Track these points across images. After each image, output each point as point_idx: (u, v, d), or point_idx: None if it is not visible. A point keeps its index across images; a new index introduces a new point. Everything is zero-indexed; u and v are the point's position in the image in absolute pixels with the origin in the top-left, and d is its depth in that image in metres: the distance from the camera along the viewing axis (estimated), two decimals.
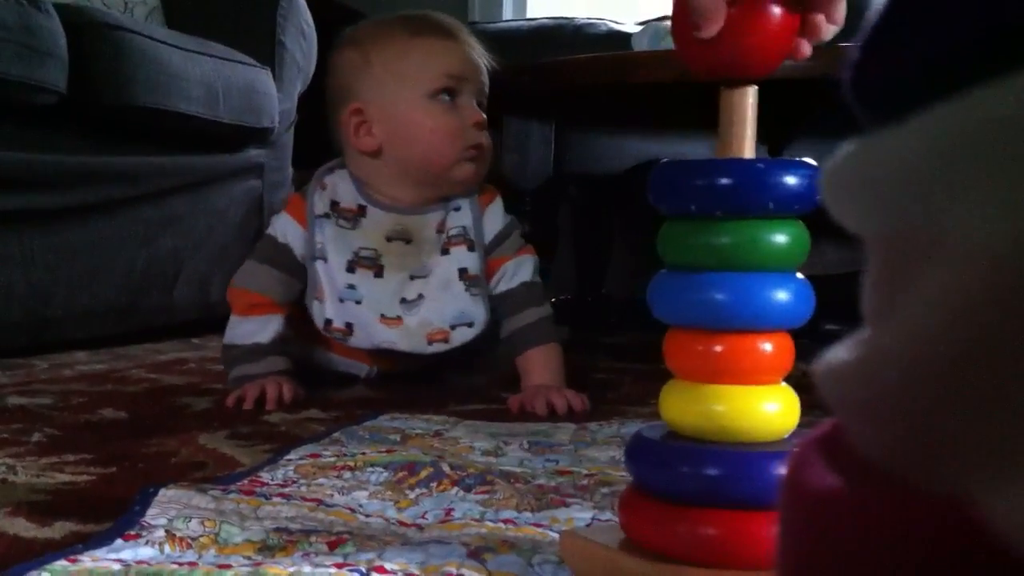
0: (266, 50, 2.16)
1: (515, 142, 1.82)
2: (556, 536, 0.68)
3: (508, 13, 3.28)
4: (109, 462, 0.89)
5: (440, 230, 1.35)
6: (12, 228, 1.59)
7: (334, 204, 1.34)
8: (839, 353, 0.26)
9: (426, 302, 1.32)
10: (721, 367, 0.54)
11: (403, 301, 1.32)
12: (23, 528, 0.69)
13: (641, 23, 2.60)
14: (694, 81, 0.58)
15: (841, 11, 0.57)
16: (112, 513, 0.70)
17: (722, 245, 0.53)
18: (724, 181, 0.53)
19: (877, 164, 0.24)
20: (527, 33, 2.70)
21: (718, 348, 0.54)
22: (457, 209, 1.36)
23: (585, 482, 0.82)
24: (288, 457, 0.89)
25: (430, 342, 1.32)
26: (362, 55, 1.34)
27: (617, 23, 2.76)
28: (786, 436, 0.55)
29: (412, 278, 1.33)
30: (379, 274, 1.33)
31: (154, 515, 0.68)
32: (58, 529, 0.69)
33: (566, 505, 0.75)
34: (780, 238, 0.53)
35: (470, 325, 1.32)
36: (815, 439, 0.29)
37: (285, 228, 1.34)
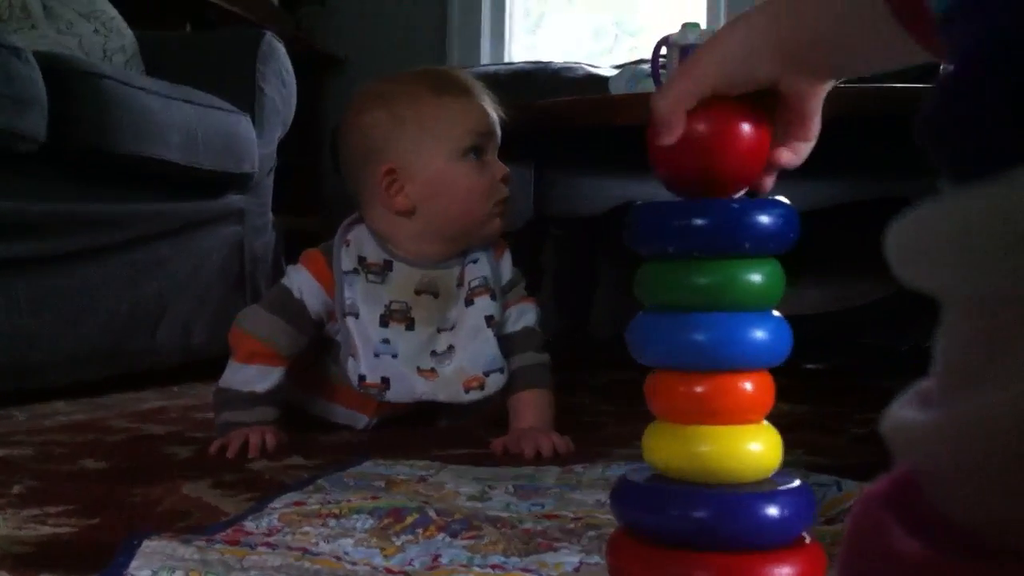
0: (246, 96, 2.17)
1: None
2: None
3: (486, 57, 3.31)
4: (92, 513, 0.88)
5: (460, 283, 1.37)
6: None
7: (361, 259, 1.34)
8: (911, 411, 0.25)
9: (457, 352, 1.33)
10: (703, 408, 0.54)
11: (434, 354, 1.33)
12: None
13: (617, 67, 2.62)
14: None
15: (814, 130, 0.57)
16: (96, 564, 0.69)
17: (700, 285, 0.54)
18: (700, 222, 0.54)
19: (972, 224, 0.23)
20: (505, 77, 2.72)
21: (699, 389, 0.54)
22: (475, 261, 1.38)
23: (572, 525, 0.82)
24: (272, 505, 0.88)
25: (467, 390, 1.32)
26: (392, 115, 1.34)
27: (594, 67, 2.78)
28: (770, 475, 0.55)
29: (439, 331, 1.34)
30: (411, 327, 1.33)
31: (138, 566, 0.68)
32: None
33: (554, 549, 0.75)
34: (757, 277, 0.54)
35: (501, 371, 1.33)
36: (882, 497, 0.28)
37: (302, 284, 1.33)
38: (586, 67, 2.79)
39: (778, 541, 0.52)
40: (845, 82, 2.22)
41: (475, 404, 1.35)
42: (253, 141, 2.14)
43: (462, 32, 3.34)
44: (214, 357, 1.30)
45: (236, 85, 2.18)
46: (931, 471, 0.24)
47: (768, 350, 0.54)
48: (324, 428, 1.37)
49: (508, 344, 1.36)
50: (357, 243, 1.36)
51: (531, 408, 1.31)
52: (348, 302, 1.32)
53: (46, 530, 0.82)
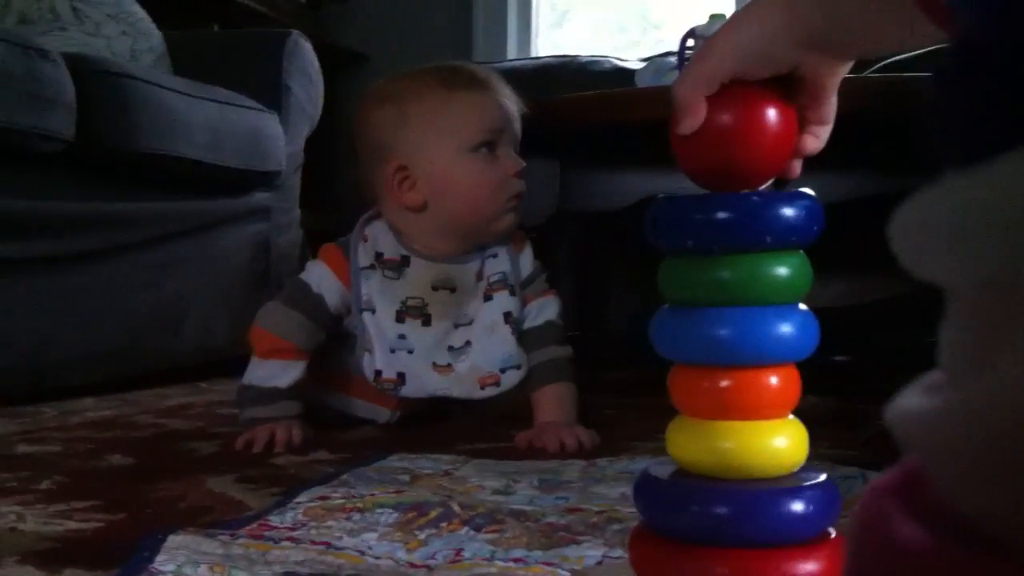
0: (272, 94, 2.18)
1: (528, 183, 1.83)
2: (567, 575, 0.67)
3: (512, 52, 3.31)
4: (117, 508, 0.88)
5: (479, 278, 1.36)
6: (18, 274, 1.59)
7: (378, 255, 1.34)
8: (917, 399, 0.24)
9: (474, 348, 1.33)
10: (727, 403, 0.53)
11: (450, 349, 1.33)
12: None
13: (644, 59, 2.61)
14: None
15: (832, 112, 0.57)
16: (120, 559, 0.69)
17: (722, 280, 0.53)
18: (720, 217, 0.53)
19: (971, 208, 0.23)
20: (531, 72, 2.71)
21: (724, 384, 0.53)
22: (494, 256, 1.37)
23: (595, 519, 0.82)
24: (297, 500, 0.89)
25: (482, 387, 1.32)
26: (399, 111, 1.33)
27: (621, 60, 2.77)
28: (795, 471, 0.54)
29: (456, 326, 1.34)
30: (427, 323, 1.33)
31: (162, 561, 0.68)
32: None
33: (576, 543, 0.74)
34: (780, 271, 0.53)
35: (518, 368, 1.33)
36: (888, 487, 0.27)
37: (321, 279, 1.33)
38: (613, 60, 2.78)
39: (801, 537, 0.52)
40: (865, 72, 2.20)
41: (490, 399, 1.35)
42: (280, 139, 2.14)
43: (487, 28, 3.33)
44: (237, 356, 1.30)
45: (263, 83, 2.19)
46: (935, 458, 0.24)
47: (792, 344, 0.53)
48: (348, 423, 1.37)
49: (530, 339, 1.36)
50: (374, 238, 1.36)
51: (554, 402, 1.30)
52: (364, 298, 1.32)
53: (72, 525, 0.82)
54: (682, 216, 0.54)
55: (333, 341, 1.36)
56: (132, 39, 2.15)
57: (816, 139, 0.57)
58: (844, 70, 0.56)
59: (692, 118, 0.53)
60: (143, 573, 0.66)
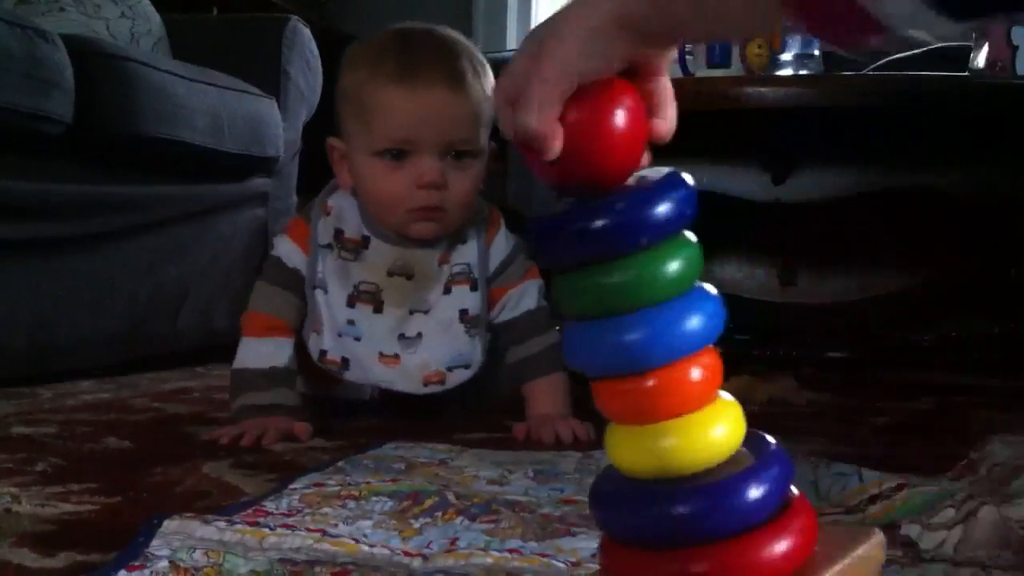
0: (271, 80, 2.18)
1: (519, 171, 1.83)
2: (562, 566, 0.67)
3: (513, 43, 3.30)
4: (113, 492, 0.88)
5: (444, 262, 1.32)
6: (17, 257, 1.59)
7: (338, 233, 1.31)
8: None
9: (424, 341, 1.29)
10: (655, 405, 0.52)
11: (402, 337, 1.29)
12: (27, 559, 0.69)
13: None
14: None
15: (673, 113, 0.55)
16: (116, 543, 0.70)
17: (612, 287, 0.51)
18: (590, 228, 0.51)
19: None
20: None
21: (648, 384, 0.52)
22: (464, 242, 1.33)
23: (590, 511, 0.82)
24: (292, 486, 0.89)
25: (425, 383, 1.29)
26: (342, 89, 1.30)
27: None
28: (740, 448, 0.53)
29: (412, 312, 1.30)
30: (378, 309, 1.30)
31: (158, 546, 0.68)
32: (62, 560, 0.68)
33: (571, 534, 0.75)
34: (668, 266, 0.51)
35: (467, 367, 1.30)
36: None
37: (290, 253, 1.31)
38: None
39: (767, 515, 0.51)
40: (865, 71, 2.20)
41: (464, 389, 1.31)
42: (278, 125, 2.14)
43: (488, 17, 3.33)
44: (236, 341, 1.29)
45: (262, 69, 2.19)
46: None
47: (701, 332, 0.52)
48: (344, 411, 1.37)
49: (512, 331, 1.33)
50: (338, 212, 1.32)
51: (546, 395, 1.28)
52: (319, 276, 1.29)
53: (68, 508, 0.83)
54: (554, 234, 0.53)
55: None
56: (131, 21, 2.15)
57: (665, 121, 0.55)
58: (673, 49, 0.55)
59: (554, 144, 0.52)
60: (139, 557, 0.66)
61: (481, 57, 1.33)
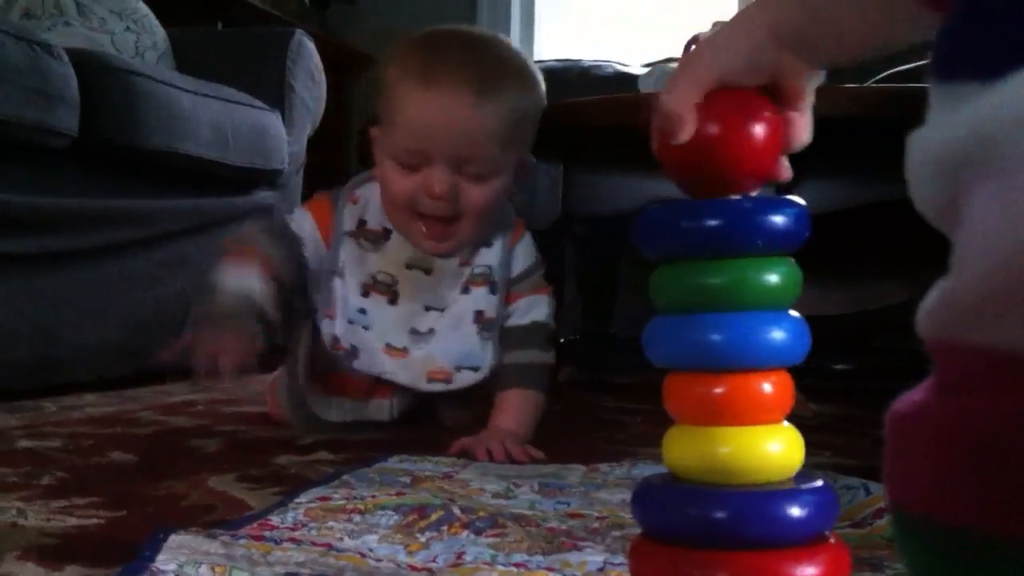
0: (276, 93, 2.19)
1: (523, 183, 1.83)
2: None
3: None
4: (119, 505, 0.88)
5: (465, 263, 1.32)
6: (22, 269, 1.59)
7: (361, 223, 1.31)
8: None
9: (436, 338, 1.29)
10: (721, 409, 0.53)
11: (413, 331, 1.29)
12: (33, 572, 0.68)
13: (647, 65, 2.62)
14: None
15: (808, 129, 0.57)
16: (121, 557, 0.69)
17: (714, 285, 0.53)
18: (712, 222, 0.53)
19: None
20: None
21: (717, 390, 0.53)
22: (488, 245, 1.32)
23: (596, 525, 0.82)
24: (297, 500, 0.88)
25: (430, 380, 1.29)
26: (380, 80, 1.29)
27: (623, 65, 2.78)
28: (791, 475, 0.54)
29: (428, 309, 1.30)
30: (393, 301, 1.30)
31: (163, 560, 0.68)
32: (68, 573, 0.68)
33: (578, 548, 0.74)
34: (772, 275, 0.53)
35: (475, 369, 1.29)
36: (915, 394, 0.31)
37: (303, 224, 1.30)
38: (615, 65, 2.79)
39: (798, 539, 0.52)
40: (868, 82, 2.20)
41: (466, 392, 1.30)
42: (283, 138, 2.15)
43: (491, 23, 3.33)
44: None
45: (266, 82, 2.19)
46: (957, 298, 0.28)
47: (784, 349, 0.53)
48: (350, 426, 1.36)
49: (511, 337, 1.31)
50: (364, 203, 1.32)
51: (512, 409, 1.24)
52: (340, 264, 1.29)
53: (73, 522, 0.82)
54: (673, 223, 0.54)
55: (320, 344, 1.30)
56: (136, 35, 2.16)
57: (800, 134, 0.57)
58: (818, 79, 0.56)
59: (686, 128, 0.53)
60: (144, 572, 0.66)
61: (522, 63, 1.30)
